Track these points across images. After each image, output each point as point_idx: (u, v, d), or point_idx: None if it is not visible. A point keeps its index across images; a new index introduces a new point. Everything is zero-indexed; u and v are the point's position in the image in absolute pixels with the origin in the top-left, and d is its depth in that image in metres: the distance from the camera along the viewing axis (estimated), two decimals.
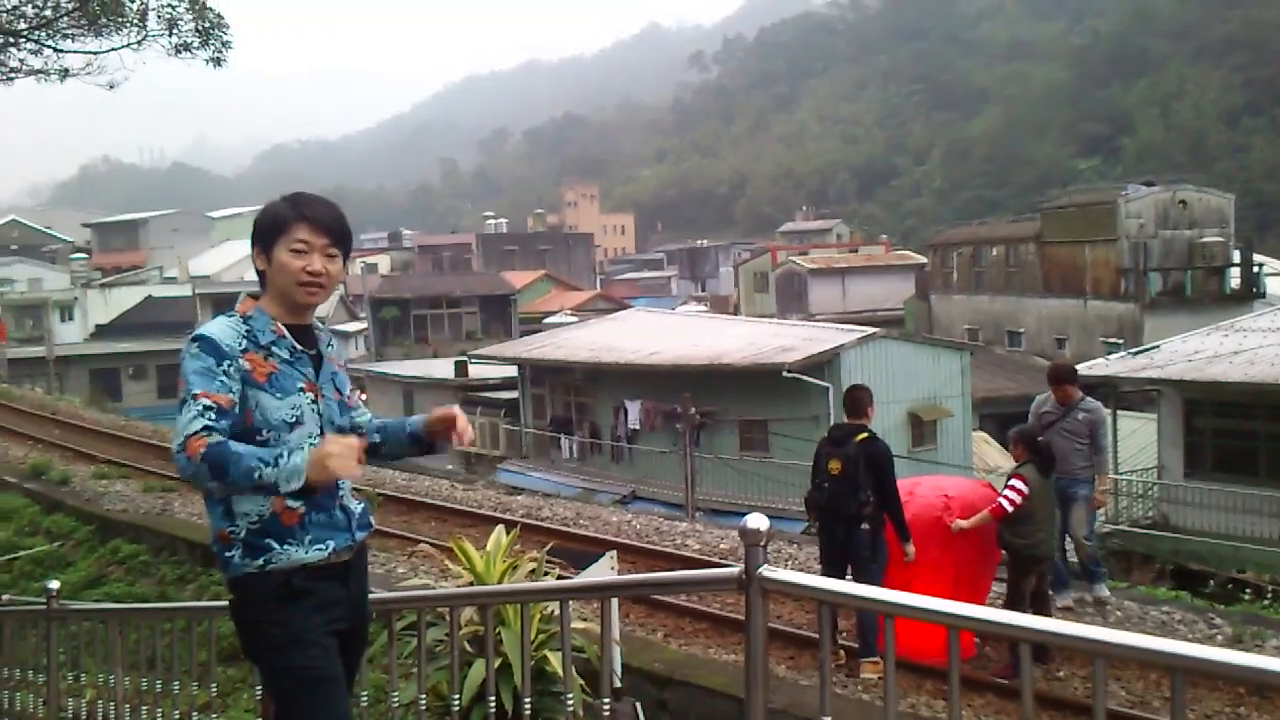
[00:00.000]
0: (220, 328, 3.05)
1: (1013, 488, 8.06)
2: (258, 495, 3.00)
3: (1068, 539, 9.79)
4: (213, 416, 2.90)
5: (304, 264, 3.10)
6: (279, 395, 3.06)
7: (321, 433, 3.15)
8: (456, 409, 3.53)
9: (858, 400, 8.30)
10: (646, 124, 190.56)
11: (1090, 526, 9.71)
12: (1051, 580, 10.14)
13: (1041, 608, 8.36)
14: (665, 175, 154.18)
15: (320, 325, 3.28)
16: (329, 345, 3.31)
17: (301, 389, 3.11)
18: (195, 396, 2.91)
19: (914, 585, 7.95)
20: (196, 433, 2.87)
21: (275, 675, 3.14)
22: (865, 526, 7.86)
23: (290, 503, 3.05)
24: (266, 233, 3.14)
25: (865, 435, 8.01)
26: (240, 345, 3.03)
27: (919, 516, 8.21)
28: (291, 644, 3.05)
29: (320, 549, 3.10)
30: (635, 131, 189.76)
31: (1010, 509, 8.01)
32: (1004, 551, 8.42)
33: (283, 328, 3.12)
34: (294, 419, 3.08)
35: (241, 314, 3.11)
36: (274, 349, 3.08)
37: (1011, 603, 8.09)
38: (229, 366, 2.98)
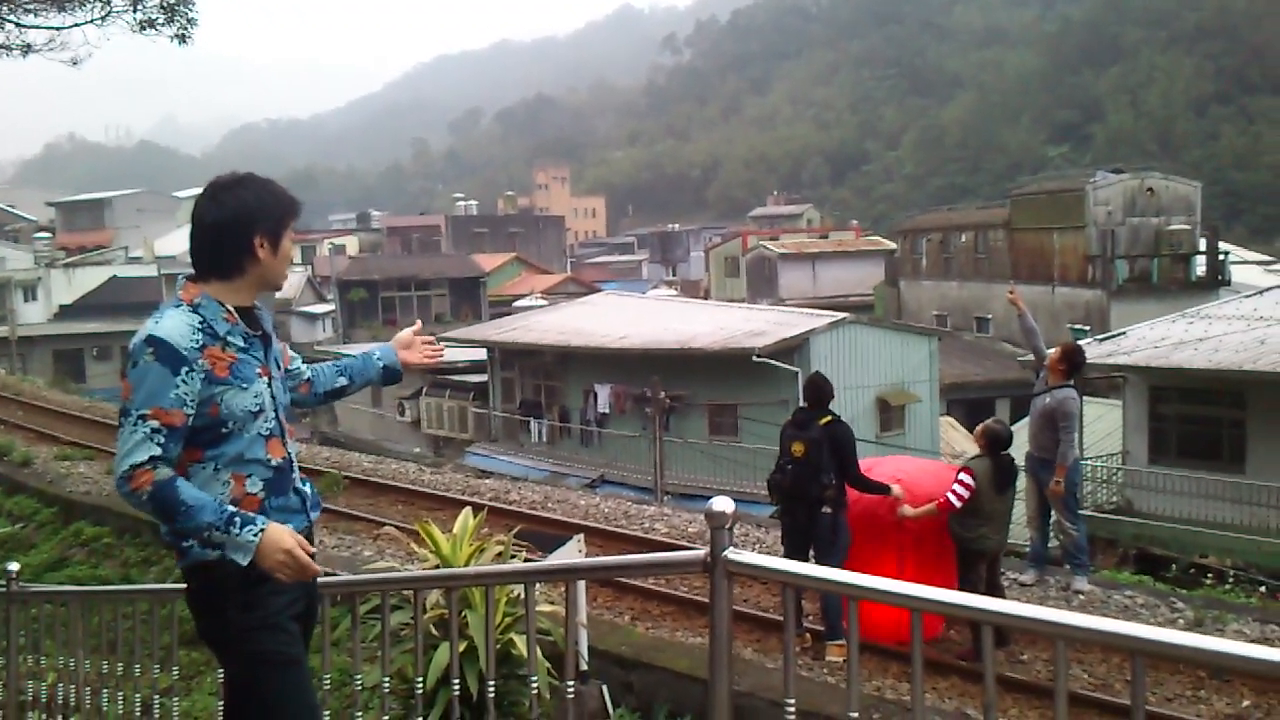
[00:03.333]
0: (175, 326, 2.89)
1: (961, 482, 8.02)
2: (215, 483, 2.97)
3: (1051, 520, 9.96)
4: (161, 440, 2.82)
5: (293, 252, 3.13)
6: (244, 386, 2.99)
7: (276, 416, 3.13)
8: (416, 326, 3.59)
9: (822, 392, 8.27)
10: (619, 106, 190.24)
11: (1071, 513, 9.79)
12: (1028, 553, 10.29)
13: (995, 595, 8.37)
14: (637, 158, 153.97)
15: (258, 304, 3.20)
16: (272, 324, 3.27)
17: (258, 374, 3.05)
18: (144, 416, 2.81)
19: (871, 567, 8.00)
20: (142, 464, 2.80)
21: (243, 661, 3.08)
22: (827, 510, 7.87)
23: (250, 488, 3.02)
24: (280, 219, 3.05)
25: (829, 418, 8.03)
26: (198, 343, 2.90)
27: (864, 498, 8.21)
28: (258, 628, 3.01)
29: (308, 522, 3.11)
30: (608, 113, 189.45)
31: (957, 504, 8.01)
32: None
33: (234, 314, 3.03)
34: (257, 408, 3.03)
35: (189, 302, 2.97)
36: (229, 338, 2.99)
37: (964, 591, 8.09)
38: (187, 373, 2.86)
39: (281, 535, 2.90)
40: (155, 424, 2.82)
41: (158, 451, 2.82)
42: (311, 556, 3.11)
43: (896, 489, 8.08)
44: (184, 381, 2.86)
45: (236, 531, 2.85)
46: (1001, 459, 8.27)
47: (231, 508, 2.88)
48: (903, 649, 7.63)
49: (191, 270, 3.09)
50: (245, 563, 2.87)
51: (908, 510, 8.08)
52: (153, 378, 2.83)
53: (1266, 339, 18.38)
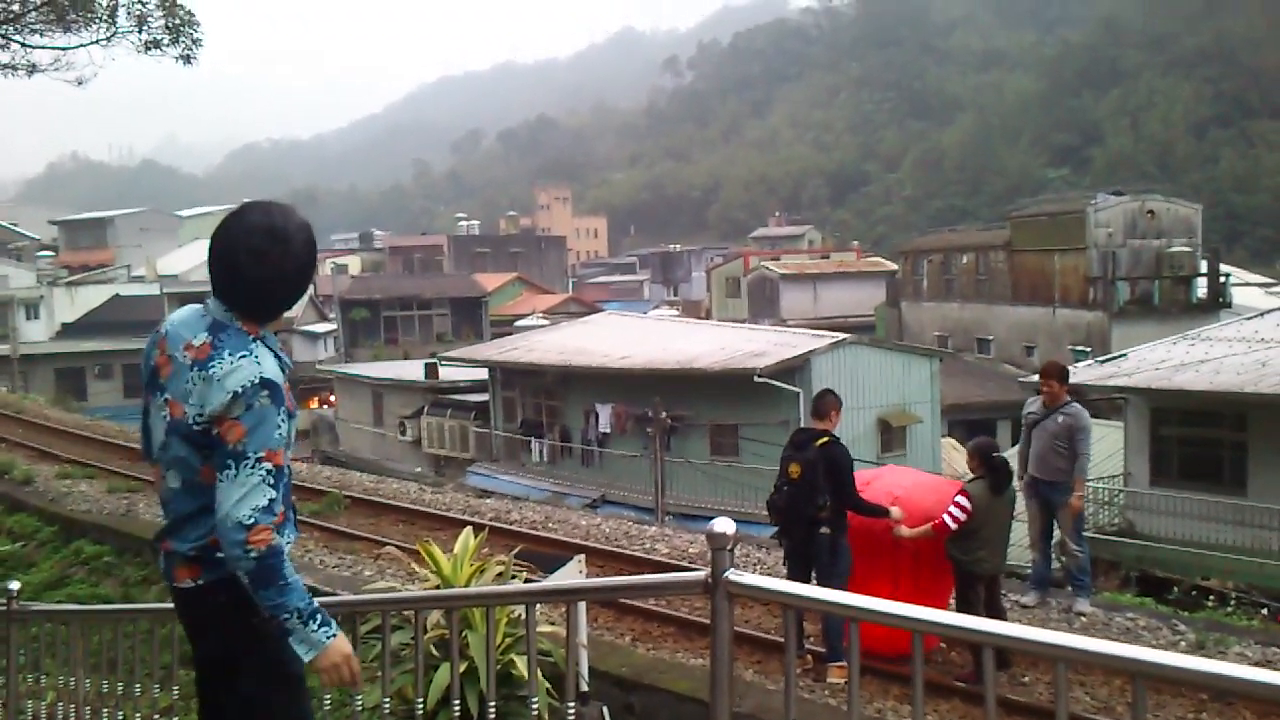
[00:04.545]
0: (273, 367, 2.93)
1: (957, 504, 7.99)
2: None
3: (1053, 542, 9.93)
4: (272, 482, 2.85)
5: None
6: (295, 415, 3.06)
7: None
8: None
9: (823, 404, 8.32)
10: (620, 127, 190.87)
11: (1078, 534, 9.76)
12: (1030, 576, 10.26)
13: (996, 617, 8.33)
14: (638, 179, 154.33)
15: None
16: None
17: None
18: (261, 458, 2.83)
19: (866, 585, 8.00)
20: (264, 515, 2.81)
21: (264, 677, 3.08)
22: (825, 531, 7.86)
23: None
24: (315, 262, 3.12)
25: (826, 440, 8.02)
26: (283, 381, 2.95)
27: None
28: (279, 641, 3.01)
29: (289, 542, 3.10)
30: (609, 135, 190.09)
31: (953, 525, 7.99)
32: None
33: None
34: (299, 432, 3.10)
35: (257, 336, 2.99)
36: (286, 370, 3.04)
37: (963, 613, 8.06)
38: (285, 413, 2.92)
39: (344, 642, 2.94)
40: (269, 465, 2.84)
41: (274, 494, 2.85)
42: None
43: (896, 511, 8.07)
44: (284, 421, 2.90)
45: (314, 626, 2.87)
46: (994, 465, 8.25)
47: (315, 601, 2.89)
48: (903, 671, 7.61)
49: (206, 291, 3.09)
50: (306, 659, 2.88)
51: (904, 531, 8.07)
52: (269, 421, 2.85)
53: (1267, 361, 18.37)
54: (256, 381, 2.85)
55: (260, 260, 2.92)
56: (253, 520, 2.80)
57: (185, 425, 2.91)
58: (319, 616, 2.88)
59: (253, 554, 2.80)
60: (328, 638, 2.89)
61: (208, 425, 2.86)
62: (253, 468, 2.82)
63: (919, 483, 9.19)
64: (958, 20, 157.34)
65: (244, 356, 2.89)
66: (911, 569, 8.36)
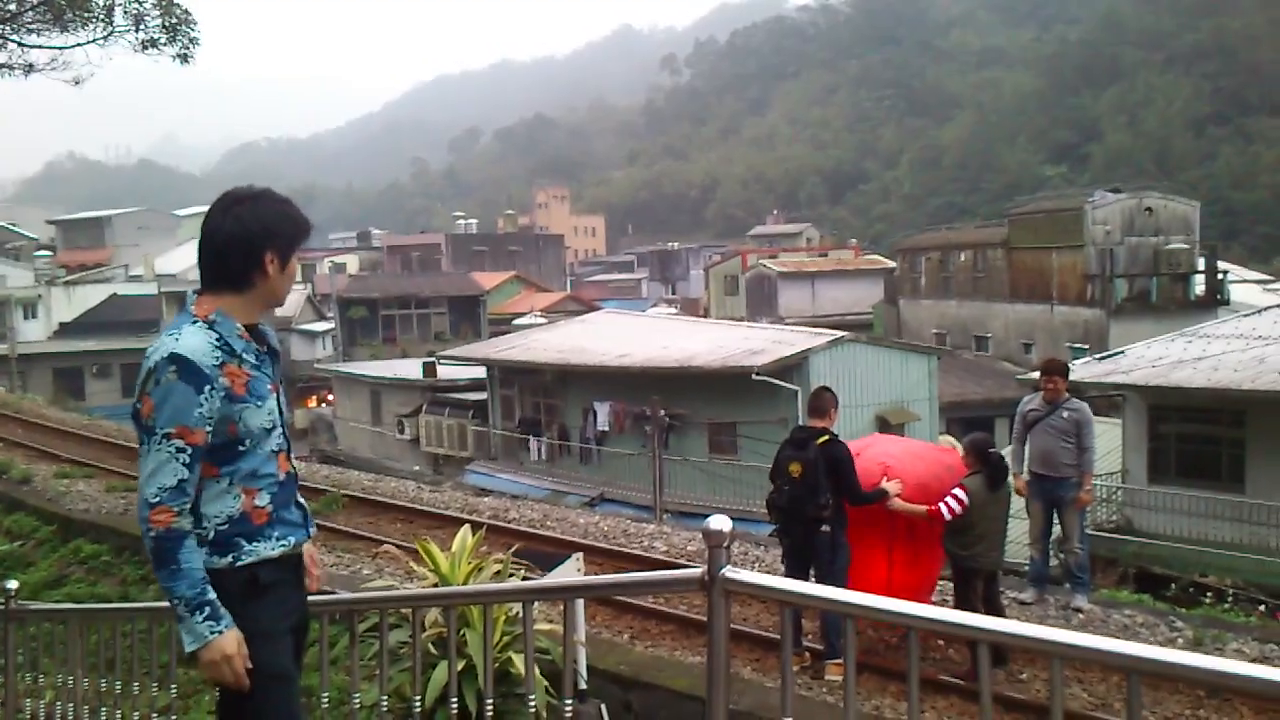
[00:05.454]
0: (197, 344, 2.88)
1: (955, 497, 8.02)
2: (226, 497, 2.98)
3: (1052, 539, 9.93)
4: (186, 460, 2.83)
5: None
6: (259, 403, 3.01)
7: (283, 432, 3.14)
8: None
9: (821, 401, 8.32)
10: (618, 126, 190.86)
11: (1081, 531, 9.76)
12: (1029, 573, 10.26)
13: (995, 614, 8.36)
14: (636, 177, 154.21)
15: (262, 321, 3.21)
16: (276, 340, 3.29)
17: (269, 390, 3.07)
18: (169, 435, 2.82)
19: (862, 554, 8.17)
20: (168, 498, 2.82)
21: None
22: (825, 529, 7.87)
23: (259, 502, 3.04)
24: (293, 238, 3.07)
25: (826, 438, 8.02)
26: (218, 360, 2.90)
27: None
28: (256, 639, 3.02)
29: (283, 544, 3.10)
30: (607, 133, 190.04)
31: (948, 516, 8.02)
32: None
33: (246, 331, 3.04)
34: (270, 424, 3.05)
35: (204, 319, 2.96)
36: (244, 355, 3.00)
37: (961, 610, 8.08)
38: (209, 392, 2.86)
39: (230, 642, 2.91)
40: (180, 443, 2.83)
41: (185, 475, 2.84)
42: (306, 588, 3.18)
43: (893, 486, 8.10)
44: (206, 400, 2.87)
45: (199, 618, 2.86)
46: (991, 462, 8.27)
47: (210, 593, 2.88)
48: (900, 667, 7.62)
49: (194, 286, 3.09)
50: (188, 649, 2.89)
51: (897, 504, 8.10)
52: (177, 396, 2.83)
53: (1265, 358, 18.39)
54: (166, 356, 2.85)
55: (225, 210, 2.98)
56: (158, 499, 2.82)
57: (132, 408, 2.95)
58: (207, 609, 2.86)
59: (151, 533, 2.83)
60: (211, 632, 2.87)
61: (140, 405, 2.90)
62: (160, 443, 2.82)
63: (909, 450, 9.22)
64: (956, 18, 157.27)
65: (170, 334, 2.91)
66: (907, 540, 8.46)
